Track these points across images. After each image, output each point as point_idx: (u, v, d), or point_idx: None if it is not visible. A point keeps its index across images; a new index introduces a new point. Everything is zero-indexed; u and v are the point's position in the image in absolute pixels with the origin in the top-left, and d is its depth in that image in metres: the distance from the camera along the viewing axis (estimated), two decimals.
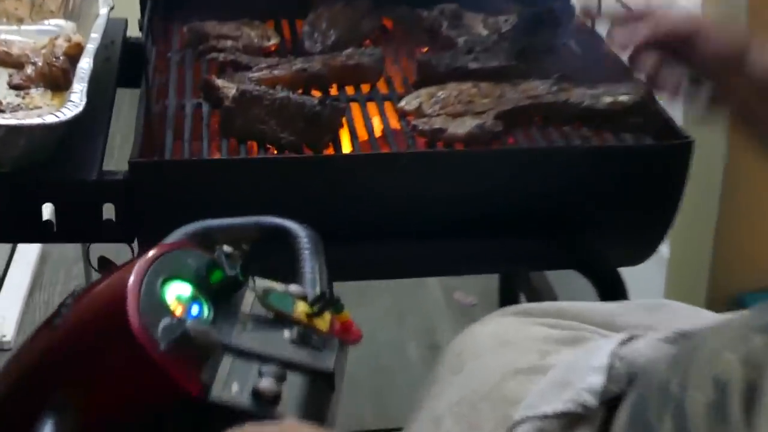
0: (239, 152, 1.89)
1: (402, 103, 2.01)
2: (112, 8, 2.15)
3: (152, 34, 2.24)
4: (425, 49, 2.29)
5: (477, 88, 2.03)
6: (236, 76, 2.04)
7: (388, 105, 2.09)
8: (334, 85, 2.13)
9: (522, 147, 1.91)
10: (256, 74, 2.05)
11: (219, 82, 1.95)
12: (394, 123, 2.01)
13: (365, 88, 2.14)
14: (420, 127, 1.91)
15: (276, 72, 2.06)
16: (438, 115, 1.97)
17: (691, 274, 2.51)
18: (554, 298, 2.58)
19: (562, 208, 1.94)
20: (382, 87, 2.15)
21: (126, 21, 2.38)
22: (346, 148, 1.93)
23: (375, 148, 1.90)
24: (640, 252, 2.09)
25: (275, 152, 1.88)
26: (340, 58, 2.13)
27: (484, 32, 2.25)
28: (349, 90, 2.13)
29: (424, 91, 2.03)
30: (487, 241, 1.97)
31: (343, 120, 1.96)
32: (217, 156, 1.86)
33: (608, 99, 2.00)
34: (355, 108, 2.07)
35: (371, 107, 2.08)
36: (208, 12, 2.34)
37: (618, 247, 2.05)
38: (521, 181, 1.91)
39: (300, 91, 2.08)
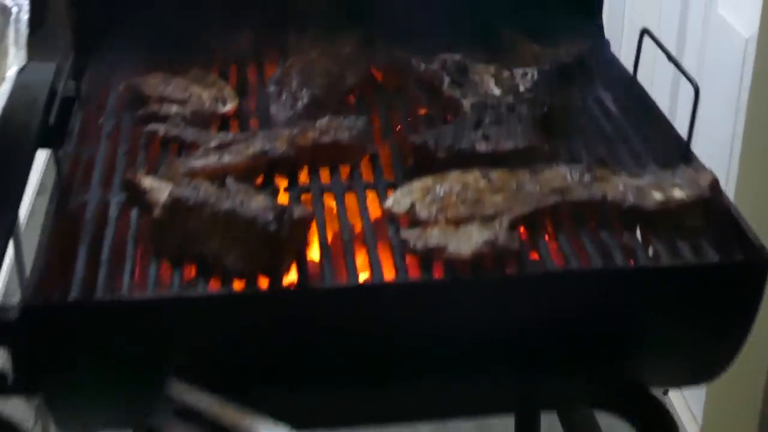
0: (172, 279, 1.42)
1: (389, 203, 1.54)
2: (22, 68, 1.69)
3: (80, 93, 1.78)
4: (423, 111, 1.81)
5: (487, 179, 1.56)
6: (175, 164, 1.57)
7: (372, 197, 1.62)
8: (305, 167, 1.65)
9: (548, 271, 1.45)
10: (200, 162, 1.59)
11: (146, 182, 1.49)
12: (380, 229, 1.54)
13: (345, 170, 1.67)
14: (412, 244, 1.44)
15: (227, 159, 1.58)
16: (436, 221, 1.50)
17: None
18: None
19: (601, 338, 1.49)
20: (366, 169, 1.68)
21: (56, 69, 1.90)
22: (314, 269, 1.46)
23: (352, 271, 1.43)
24: (698, 380, 1.64)
25: (219, 282, 1.42)
26: (312, 133, 1.66)
27: (496, 90, 1.77)
28: (324, 174, 1.66)
29: (418, 185, 1.56)
30: (504, 378, 1.52)
31: (312, 226, 1.50)
32: (139, 292, 1.40)
33: (658, 196, 1.53)
34: (329, 199, 1.61)
35: (350, 200, 1.61)
36: (159, 57, 1.87)
37: (668, 380, 1.60)
38: (546, 311, 1.46)
39: (260, 180, 1.62)
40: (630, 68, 1.90)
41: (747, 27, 2.35)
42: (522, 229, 1.51)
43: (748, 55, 2.36)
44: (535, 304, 1.45)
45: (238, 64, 1.94)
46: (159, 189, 1.48)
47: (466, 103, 1.75)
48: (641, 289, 1.47)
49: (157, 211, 1.44)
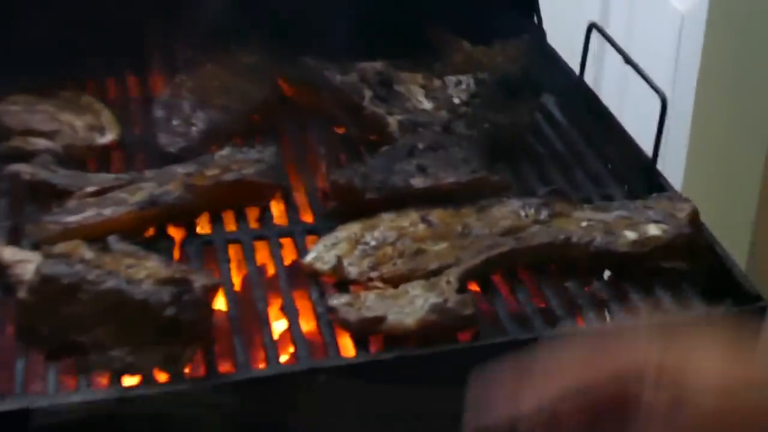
0: (46, 379, 1.13)
1: (310, 258, 1.27)
2: None
3: None
4: (341, 130, 1.54)
5: (426, 223, 1.29)
6: (43, 223, 1.27)
7: (289, 248, 1.34)
8: (205, 213, 1.36)
9: (514, 339, 1.18)
10: (75, 218, 1.28)
11: (6, 253, 1.18)
12: (301, 291, 1.26)
13: (253, 213, 1.39)
14: (342, 317, 1.16)
15: (109, 212, 1.29)
16: (369, 281, 1.23)
17: None
18: None
19: None
20: (279, 210, 1.40)
21: None
22: (224, 352, 1.18)
23: (270, 350, 1.16)
24: None
25: (106, 380, 1.13)
26: (211, 171, 1.37)
27: (427, 104, 1.50)
28: (228, 219, 1.38)
29: (344, 234, 1.29)
30: None
31: (218, 293, 1.21)
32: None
33: (631, 235, 1.28)
34: (235, 251, 1.33)
35: (262, 252, 1.33)
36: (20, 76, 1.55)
37: None
38: None
39: (150, 231, 1.33)
40: (574, 66, 1.65)
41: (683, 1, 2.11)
42: (472, 284, 1.25)
43: (685, 31, 2.12)
44: None
45: (116, 81, 1.63)
46: (24, 262, 1.18)
47: (393, 122, 1.48)
48: None
49: (22, 293, 1.14)
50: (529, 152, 1.51)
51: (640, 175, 1.45)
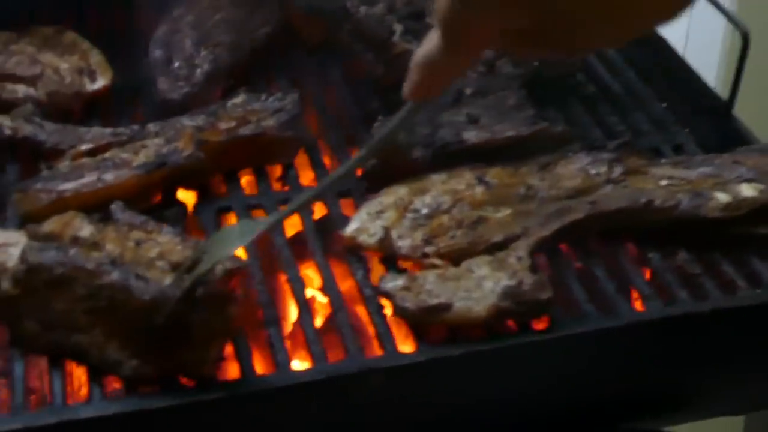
0: (50, 389, 0.94)
1: (352, 229, 1.07)
2: None
3: None
4: (363, 72, 1.33)
5: (483, 184, 1.10)
6: (31, 191, 1.07)
7: (321, 212, 1.15)
8: (218, 175, 1.17)
9: (598, 326, 1.00)
10: (71, 185, 1.08)
11: None
12: (341, 270, 1.08)
13: (274, 172, 1.19)
14: (400, 305, 0.98)
15: (110, 177, 1.08)
16: (424, 257, 1.04)
17: None
18: None
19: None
20: (304, 169, 1.20)
21: None
22: (257, 352, 1.00)
23: (313, 342, 0.97)
24: None
25: (116, 385, 0.94)
26: (225, 123, 1.16)
27: None
28: (247, 180, 1.18)
29: (389, 200, 1.09)
30: None
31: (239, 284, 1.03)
32: None
33: (723, 197, 1.10)
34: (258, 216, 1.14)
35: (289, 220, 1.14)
36: None
37: None
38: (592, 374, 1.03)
39: (157, 197, 1.13)
40: None
41: None
42: (547, 268, 1.07)
43: None
44: (576, 369, 1.03)
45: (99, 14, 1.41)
46: (6, 245, 0.98)
47: None
48: (717, 336, 1.05)
49: (5, 284, 0.94)
50: (581, 94, 1.32)
51: (711, 122, 1.26)
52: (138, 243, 1.02)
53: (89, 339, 0.94)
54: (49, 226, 1.01)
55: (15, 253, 0.96)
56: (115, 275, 0.93)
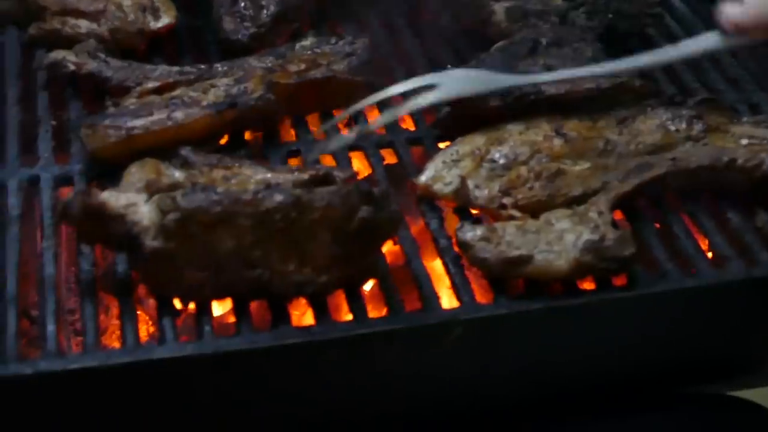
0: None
1: (426, 177, 1.05)
2: None
3: None
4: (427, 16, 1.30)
5: (561, 137, 1.08)
6: (99, 127, 1.04)
7: (388, 156, 1.13)
8: (285, 118, 1.14)
9: (679, 286, 0.98)
10: (139, 122, 1.05)
11: (113, 201, 0.94)
12: (413, 218, 1.05)
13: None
14: (479, 253, 0.95)
15: (180, 116, 1.06)
16: (501, 208, 1.02)
17: None
18: None
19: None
20: (374, 116, 1.18)
21: None
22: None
23: (391, 295, 0.95)
24: None
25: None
26: (295, 65, 1.14)
27: None
28: (313, 123, 1.15)
29: (465, 149, 1.07)
30: None
31: None
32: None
33: None
34: (327, 162, 1.11)
35: (360, 163, 1.12)
36: None
37: None
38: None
39: (225, 139, 1.10)
40: None
41: None
42: (617, 213, 1.05)
43: None
44: (659, 335, 1.00)
45: None
46: (131, 204, 0.94)
47: (499, 9, 1.25)
48: None
49: (153, 242, 0.91)
50: (651, 47, 1.28)
51: None
52: (227, 178, 0.99)
53: (267, 268, 0.91)
54: (140, 175, 0.98)
55: (144, 210, 0.92)
56: (279, 197, 0.90)
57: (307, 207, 0.89)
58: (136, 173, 0.96)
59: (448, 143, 1.11)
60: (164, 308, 0.93)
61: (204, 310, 0.93)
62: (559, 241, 0.98)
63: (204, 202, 0.89)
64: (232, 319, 0.95)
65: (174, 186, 0.94)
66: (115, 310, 1.04)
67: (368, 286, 1.01)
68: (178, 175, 0.96)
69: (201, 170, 0.98)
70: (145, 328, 1.03)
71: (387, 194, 0.92)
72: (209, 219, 0.89)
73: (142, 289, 0.96)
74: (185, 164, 0.99)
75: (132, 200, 0.91)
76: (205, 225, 0.89)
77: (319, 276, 0.91)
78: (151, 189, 0.93)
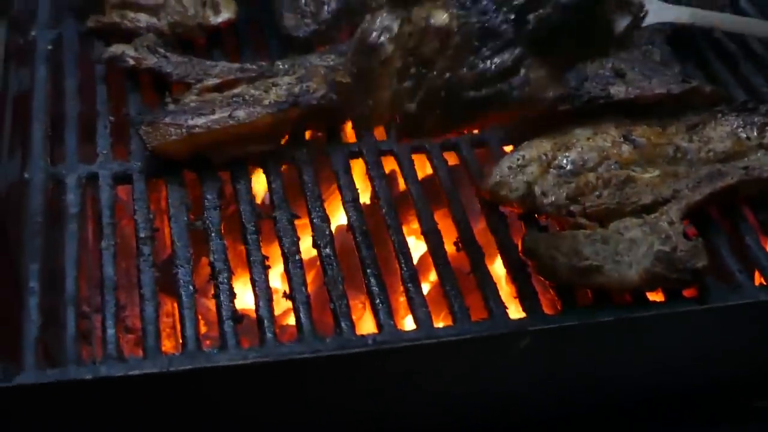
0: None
1: (493, 181, 1.03)
2: None
3: None
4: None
5: (630, 143, 1.05)
6: (160, 125, 1.03)
7: (450, 158, 1.10)
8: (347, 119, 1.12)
9: (755, 299, 0.95)
10: (201, 120, 1.04)
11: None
12: (478, 223, 1.03)
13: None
14: (548, 261, 0.93)
15: (242, 114, 1.04)
16: (569, 215, 0.99)
17: None
18: None
19: None
20: None
21: None
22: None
23: (455, 300, 0.93)
24: None
25: None
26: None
27: None
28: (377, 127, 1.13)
29: (531, 153, 1.05)
30: None
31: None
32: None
33: None
34: (389, 164, 1.09)
35: (421, 164, 1.10)
36: None
37: None
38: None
39: (286, 137, 1.08)
40: None
41: None
42: (697, 232, 1.02)
43: None
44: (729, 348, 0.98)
45: None
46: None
47: None
48: None
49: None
50: (721, 51, 1.25)
51: None
52: None
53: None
54: None
55: None
56: None
57: None
58: None
59: (512, 146, 1.08)
60: (225, 311, 0.91)
61: (267, 313, 0.91)
62: (630, 251, 0.95)
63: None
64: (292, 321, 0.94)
65: None
66: (167, 307, 1.03)
67: (427, 289, 0.99)
68: None
69: None
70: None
71: None
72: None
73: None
74: None
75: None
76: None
77: None
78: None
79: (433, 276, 1.03)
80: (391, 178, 1.09)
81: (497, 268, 1.01)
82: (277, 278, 1.00)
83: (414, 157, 1.10)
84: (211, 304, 0.95)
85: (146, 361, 0.88)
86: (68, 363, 0.87)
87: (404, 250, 0.99)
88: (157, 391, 0.88)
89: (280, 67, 1.13)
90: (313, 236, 0.99)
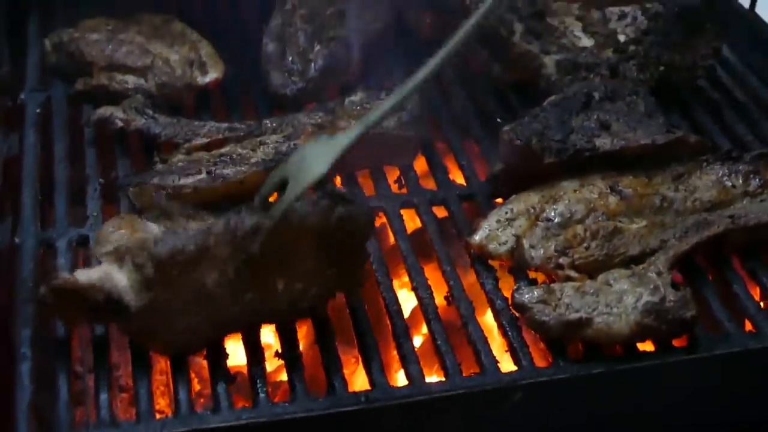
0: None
1: (479, 237, 1.03)
2: None
3: None
4: (481, 67, 1.29)
5: (617, 194, 1.06)
6: (147, 187, 1.03)
7: (441, 212, 1.11)
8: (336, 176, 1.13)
9: (744, 347, 0.96)
10: (188, 180, 1.05)
11: (77, 277, 0.92)
12: (467, 279, 1.04)
13: (392, 174, 1.15)
14: (538, 316, 0.93)
15: (229, 172, 1.05)
16: (558, 268, 1.00)
17: None
18: None
19: None
20: (424, 171, 1.16)
21: None
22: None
23: (447, 355, 0.93)
24: None
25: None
26: (344, 122, 1.13)
27: (587, 41, 1.25)
28: (363, 180, 1.14)
29: (519, 207, 1.06)
30: None
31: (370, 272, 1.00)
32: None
33: None
34: (378, 219, 1.10)
35: (409, 218, 1.10)
36: None
37: None
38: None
39: (274, 195, 1.08)
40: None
41: None
42: (686, 286, 1.02)
43: None
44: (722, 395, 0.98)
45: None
46: (101, 276, 0.91)
47: (549, 62, 1.24)
48: None
49: (136, 300, 0.89)
50: (705, 100, 1.27)
51: None
52: None
53: (258, 291, 0.91)
54: (115, 236, 0.96)
55: (119, 276, 0.90)
56: (249, 221, 0.90)
57: (282, 224, 0.88)
58: (112, 232, 0.94)
59: (501, 200, 1.09)
60: (218, 372, 0.91)
61: (259, 373, 0.91)
62: (619, 302, 0.96)
63: (178, 244, 0.87)
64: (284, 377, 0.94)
65: (145, 241, 0.92)
66: (160, 365, 1.03)
67: (418, 343, 1.00)
68: (154, 227, 0.94)
69: (178, 221, 0.97)
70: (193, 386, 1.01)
71: (353, 196, 0.94)
72: (187, 257, 0.87)
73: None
74: (163, 215, 0.98)
75: (105, 271, 0.90)
76: (184, 265, 0.88)
77: (310, 288, 0.91)
78: (121, 254, 0.91)
79: (424, 329, 1.04)
80: (380, 231, 1.10)
81: (488, 321, 1.01)
82: (269, 335, 1.00)
83: (402, 212, 1.11)
84: (204, 362, 0.95)
85: (139, 425, 0.87)
86: (62, 430, 0.87)
87: (395, 307, 0.99)
88: None
89: (268, 125, 1.14)
90: None
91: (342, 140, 0.91)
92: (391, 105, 0.91)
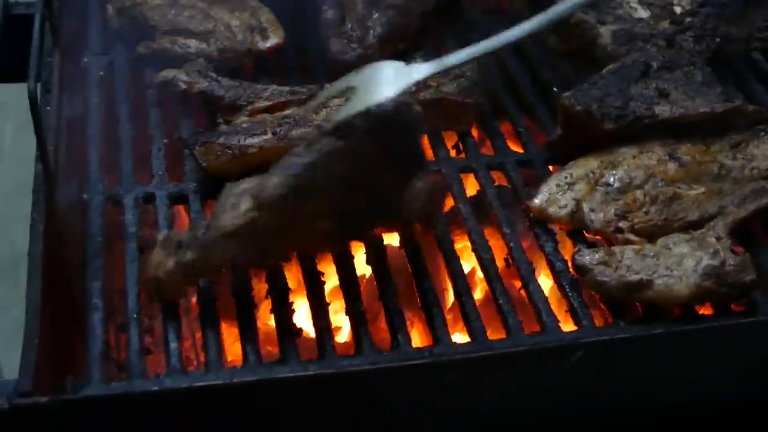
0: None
1: (540, 201, 1.05)
2: None
3: (51, 20, 1.20)
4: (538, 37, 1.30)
5: (675, 161, 1.07)
6: (211, 146, 1.05)
7: (498, 177, 1.12)
8: None
9: None
10: (254, 140, 1.06)
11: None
12: (528, 240, 1.05)
13: (450, 138, 1.16)
14: (599, 277, 0.95)
15: (295, 134, 1.06)
16: (618, 232, 1.01)
17: None
18: None
19: None
20: (481, 137, 1.18)
21: None
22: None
23: (508, 312, 0.95)
24: None
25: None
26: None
27: (643, 12, 1.26)
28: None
29: (579, 172, 1.06)
30: None
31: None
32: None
33: None
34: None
35: (469, 182, 1.12)
36: None
37: None
38: None
39: None
40: None
41: None
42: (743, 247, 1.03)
43: None
44: None
45: None
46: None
47: (605, 32, 1.24)
48: None
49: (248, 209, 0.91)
50: (760, 73, 1.27)
51: None
52: None
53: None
54: None
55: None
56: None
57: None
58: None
59: (557, 166, 1.10)
60: (284, 325, 0.93)
61: (324, 326, 0.93)
62: (679, 266, 0.97)
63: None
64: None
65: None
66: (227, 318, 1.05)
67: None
68: None
69: None
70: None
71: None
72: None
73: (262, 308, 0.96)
74: None
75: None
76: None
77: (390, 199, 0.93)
78: None
79: (479, 293, 1.06)
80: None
81: (546, 283, 1.03)
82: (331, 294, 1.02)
83: (463, 176, 1.12)
84: (270, 319, 0.97)
85: (209, 374, 0.89)
86: (133, 376, 0.89)
87: (456, 266, 1.00)
88: (220, 403, 0.89)
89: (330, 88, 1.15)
90: (366, 253, 1.02)
91: (416, 71, 0.91)
92: (469, 54, 0.91)
